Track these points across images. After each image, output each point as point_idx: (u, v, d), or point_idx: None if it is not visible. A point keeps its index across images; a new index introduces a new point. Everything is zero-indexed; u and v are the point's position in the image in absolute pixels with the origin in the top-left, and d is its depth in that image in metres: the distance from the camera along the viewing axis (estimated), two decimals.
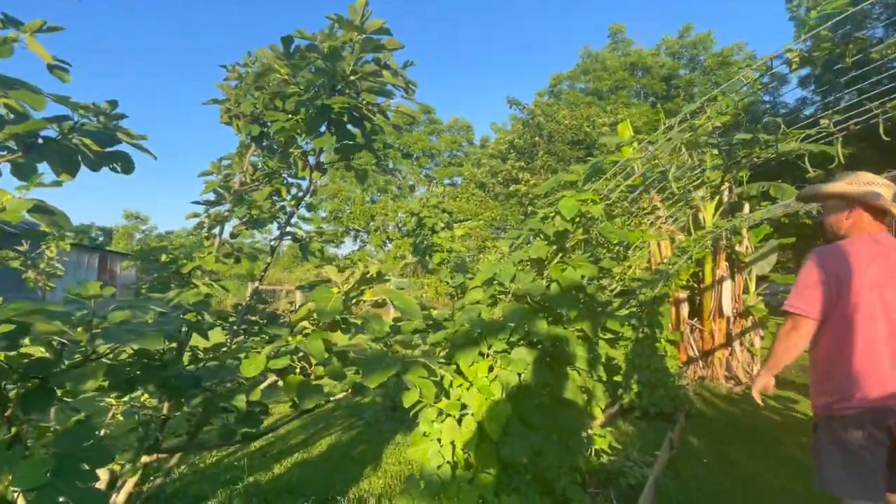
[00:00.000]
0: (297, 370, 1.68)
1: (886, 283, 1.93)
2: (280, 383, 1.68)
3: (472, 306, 2.04)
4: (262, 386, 1.82)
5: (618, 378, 5.81)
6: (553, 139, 19.01)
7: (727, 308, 7.57)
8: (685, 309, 7.88)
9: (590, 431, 3.35)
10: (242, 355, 1.63)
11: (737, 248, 7.72)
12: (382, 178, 31.80)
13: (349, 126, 2.49)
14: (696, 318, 7.94)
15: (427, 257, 15.11)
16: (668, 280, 5.62)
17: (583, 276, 2.08)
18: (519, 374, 2.08)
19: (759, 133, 2.87)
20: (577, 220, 2.07)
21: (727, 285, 7.62)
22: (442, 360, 2.07)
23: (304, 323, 1.75)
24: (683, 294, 7.85)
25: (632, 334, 5.64)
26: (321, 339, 1.54)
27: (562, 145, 19.17)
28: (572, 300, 2.10)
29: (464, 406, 2.06)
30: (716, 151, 6.10)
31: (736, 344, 7.59)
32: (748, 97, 3.58)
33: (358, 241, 35.80)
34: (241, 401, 1.69)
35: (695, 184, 3.42)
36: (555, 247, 2.07)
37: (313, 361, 1.67)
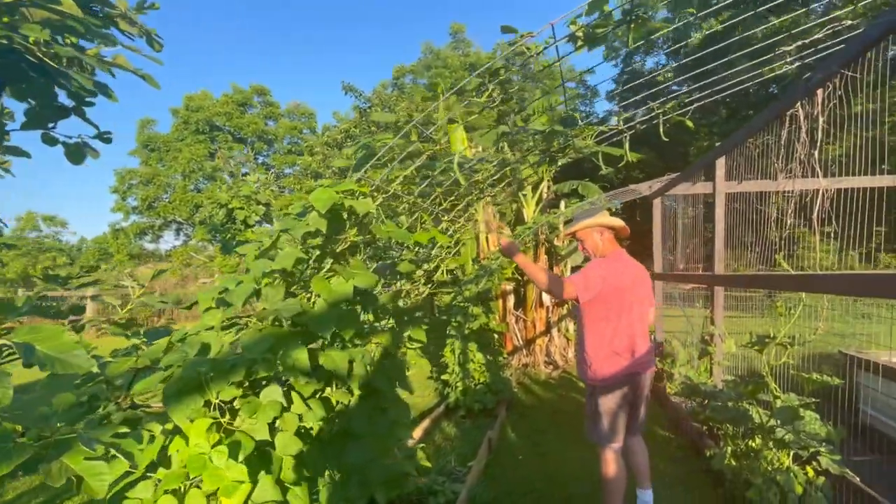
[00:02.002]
0: None
1: (630, 288, 2.78)
2: None
3: (194, 338, 1.47)
4: None
5: (446, 377, 5.71)
6: (389, 130, 18.85)
7: (546, 298, 8.11)
8: (511, 300, 8.25)
9: (399, 452, 3.01)
10: None
11: (555, 242, 8.32)
12: (210, 164, 28.28)
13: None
14: (520, 309, 8.37)
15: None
16: (491, 275, 5.65)
17: (361, 287, 1.66)
18: (274, 420, 1.58)
19: (559, 128, 2.92)
20: (349, 216, 1.65)
21: None
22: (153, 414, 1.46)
23: None
24: (510, 286, 8.21)
25: (457, 332, 5.56)
26: None
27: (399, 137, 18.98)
28: (345, 318, 1.67)
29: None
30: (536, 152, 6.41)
31: (554, 331, 8.19)
32: (566, 103, 3.68)
33: (182, 234, 31.41)
34: None
35: (508, 181, 3.38)
36: (319, 251, 1.62)
37: None
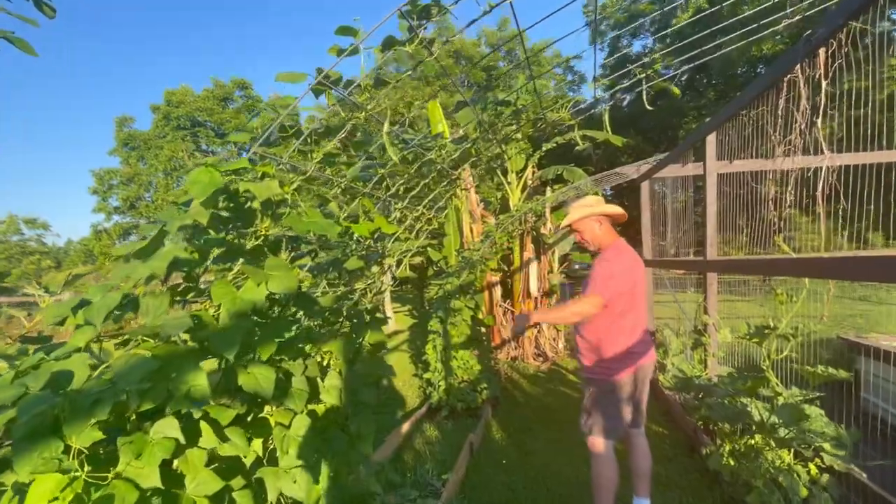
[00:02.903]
0: None
1: (640, 280, 2.68)
2: None
3: (49, 365, 1.15)
4: None
5: (429, 375, 5.42)
6: (370, 119, 18.25)
7: (534, 288, 7.83)
8: (498, 292, 7.96)
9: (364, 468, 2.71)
10: None
11: (542, 230, 8.03)
12: (193, 160, 27.67)
13: None
14: (508, 300, 8.09)
15: None
16: (472, 267, 5.35)
17: (273, 294, 1.35)
18: (167, 460, 1.26)
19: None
20: (263, 205, 1.33)
21: (533, 267, 7.87)
22: None
23: None
24: (496, 277, 7.92)
25: (439, 327, 5.26)
26: None
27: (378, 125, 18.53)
28: (258, 331, 1.35)
29: None
30: (520, 136, 6.10)
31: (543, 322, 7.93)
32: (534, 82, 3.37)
33: None
34: None
35: (472, 160, 3.06)
36: (219, 249, 1.30)
37: None
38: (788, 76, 2.75)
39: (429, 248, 7.80)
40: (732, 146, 3.62)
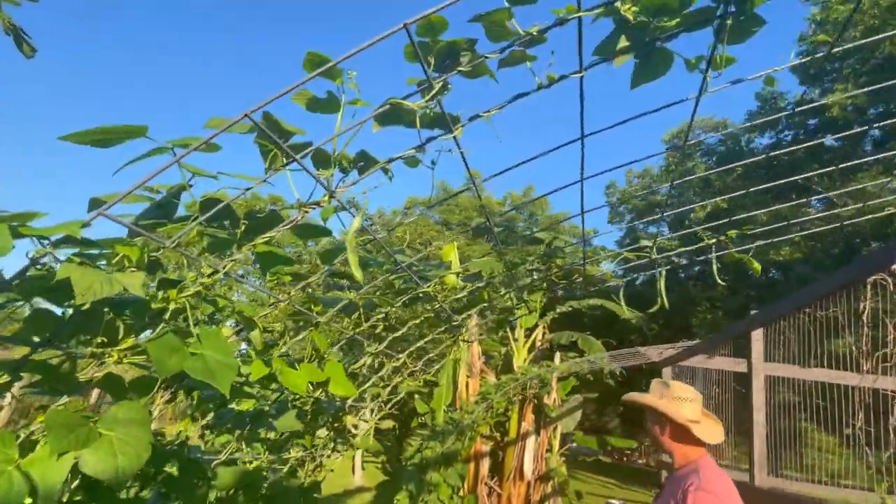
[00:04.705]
0: None
1: None
2: None
3: None
4: None
5: None
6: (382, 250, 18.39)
7: (528, 469, 6.66)
8: (486, 465, 6.77)
9: None
10: None
11: (545, 399, 7.13)
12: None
13: None
14: (496, 479, 6.86)
15: None
16: (461, 433, 4.48)
17: None
18: None
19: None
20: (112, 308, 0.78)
21: (531, 441, 6.81)
22: None
23: None
24: (486, 447, 6.82)
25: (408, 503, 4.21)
26: None
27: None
28: None
29: None
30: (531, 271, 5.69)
31: None
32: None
33: None
34: None
35: (482, 307, 2.53)
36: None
37: None
38: (873, 277, 2.30)
39: (416, 396, 6.91)
40: (791, 348, 3.05)
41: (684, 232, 2.18)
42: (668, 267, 2.06)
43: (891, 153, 8.56)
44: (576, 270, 2.02)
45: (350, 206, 1.19)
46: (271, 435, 1.79)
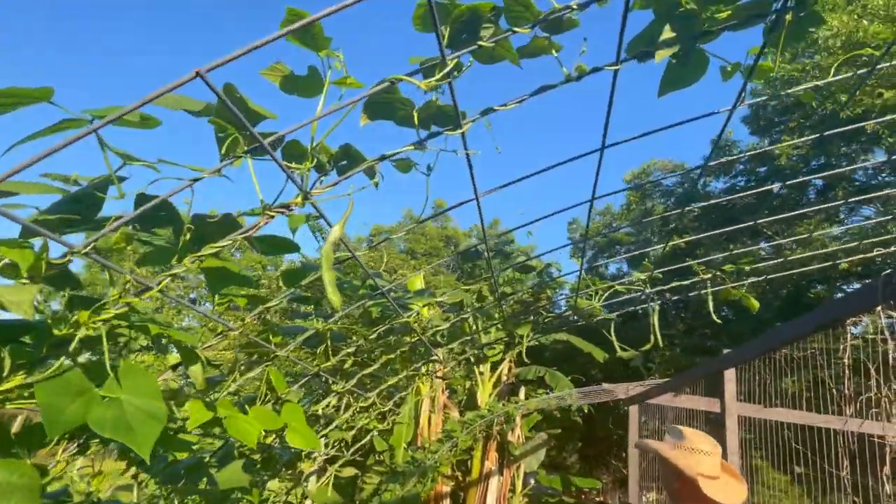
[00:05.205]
0: None
1: None
2: None
3: None
4: None
5: None
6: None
7: None
8: None
9: None
10: None
11: (508, 436, 6.88)
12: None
13: None
14: None
15: None
16: (423, 475, 4.18)
17: None
18: None
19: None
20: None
21: (494, 482, 6.51)
22: None
23: None
24: (447, 487, 6.46)
25: None
26: None
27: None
28: None
29: None
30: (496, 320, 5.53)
31: None
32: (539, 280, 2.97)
33: None
34: None
35: (463, 339, 2.35)
36: None
37: None
38: (853, 319, 2.26)
39: (375, 432, 6.52)
40: (767, 388, 2.99)
41: (673, 266, 2.08)
42: (660, 302, 1.95)
43: (831, 203, 9.11)
44: (568, 305, 1.89)
45: (323, 218, 0.99)
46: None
